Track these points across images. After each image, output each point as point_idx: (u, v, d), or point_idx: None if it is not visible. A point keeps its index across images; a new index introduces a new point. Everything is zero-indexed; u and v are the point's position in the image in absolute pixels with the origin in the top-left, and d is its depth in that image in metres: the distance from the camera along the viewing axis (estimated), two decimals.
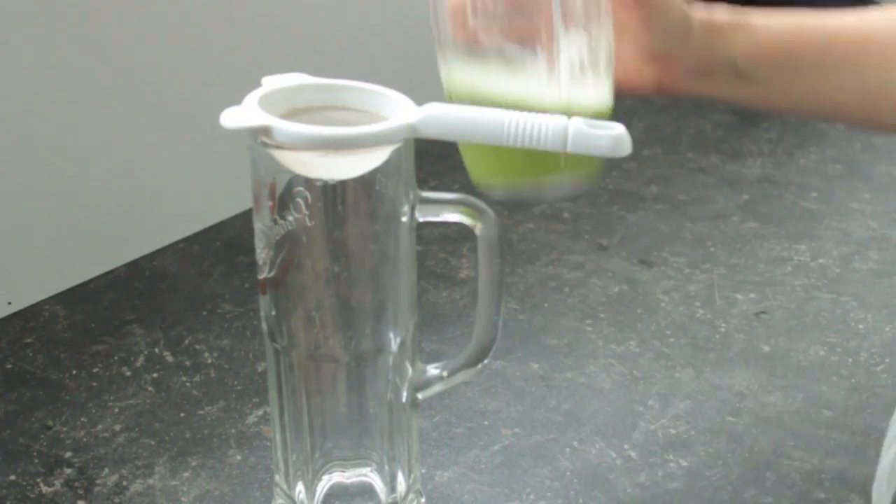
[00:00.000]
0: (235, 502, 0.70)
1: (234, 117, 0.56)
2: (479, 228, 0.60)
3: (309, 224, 0.58)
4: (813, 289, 0.92)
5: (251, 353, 0.84)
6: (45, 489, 0.71)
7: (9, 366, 0.83)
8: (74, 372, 0.82)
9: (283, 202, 0.59)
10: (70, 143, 0.89)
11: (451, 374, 0.64)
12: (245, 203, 1.03)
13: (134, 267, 0.95)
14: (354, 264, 0.60)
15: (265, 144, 0.57)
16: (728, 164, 1.14)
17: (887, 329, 0.87)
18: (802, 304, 0.90)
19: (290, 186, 0.58)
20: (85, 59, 0.88)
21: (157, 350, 0.84)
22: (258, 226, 0.60)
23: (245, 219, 1.02)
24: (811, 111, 0.67)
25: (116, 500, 0.70)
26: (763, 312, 0.89)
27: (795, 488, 0.71)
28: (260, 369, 0.82)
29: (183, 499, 0.70)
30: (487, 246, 0.60)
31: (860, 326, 0.88)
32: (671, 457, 0.74)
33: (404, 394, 0.63)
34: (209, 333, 0.86)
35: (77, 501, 0.70)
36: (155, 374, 0.82)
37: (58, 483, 0.72)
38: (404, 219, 0.59)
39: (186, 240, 0.99)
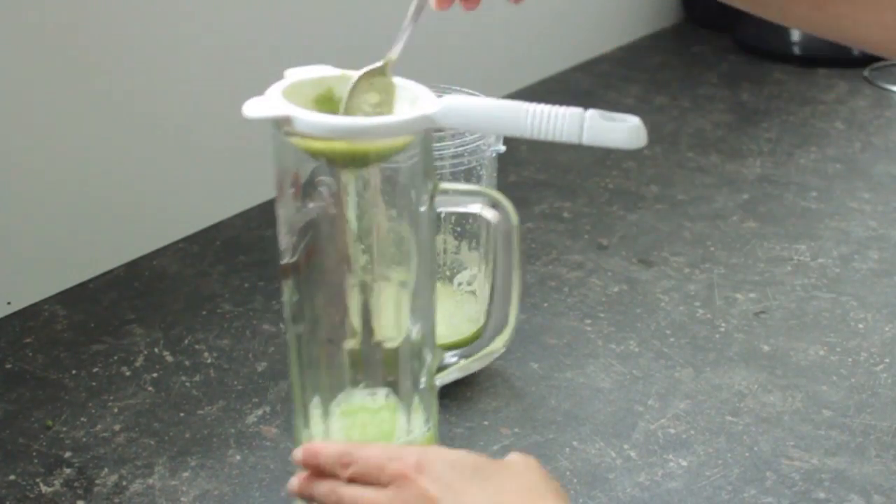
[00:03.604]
0: (235, 502, 0.70)
1: (257, 107, 0.57)
2: (495, 218, 0.62)
3: (331, 212, 0.60)
4: (813, 288, 0.92)
5: (251, 353, 0.84)
6: (44, 489, 0.71)
7: (8, 366, 0.83)
8: (74, 372, 0.82)
9: (306, 190, 0.60)
10: (70, 143, 0.89)
11: (467, 361, 0.66)
12: (245, 203, 1.04)
13: (133, 267, 0.95)
14: (375, 252, 0.61)
15: (288, 134, 0.58)
16: (728, 164, 1.14)
17: (887, 329, 0.87)
18: (802, 304, 0.90)
19: (312, 175, 0.60)
20: (86, 58, 0.88)
21: (156, 350, 0.84)
22: (281, 213, 0.62)
23: (245, 218, 1.02)
24: (836, 38, 0.62)
25: (116, 500, 0.70)
26: (763, 312, 0.89)
27: (795, 488, 0.71)
28: (260, 369, 0.82)
29: (182, 498, 0.70)
30: (503, 236, 0.62)
31: (860, 326, 0.88)
32: (671, 456, 0.74)
33: (423, 379, 0.65)
34: (209, 333, 0.86)
35: (77, 501, 0.70)
36: (154, 374, 0.82)
37: (57, 483, 0.72)
38: (423, 208, 0.61)
39: (186, 240, 0.99)
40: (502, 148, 0.69)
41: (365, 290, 0.61)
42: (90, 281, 0.93)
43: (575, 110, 0.55)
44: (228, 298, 0.91)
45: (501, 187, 0.68)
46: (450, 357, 0.66)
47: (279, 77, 1.02)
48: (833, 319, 0.88)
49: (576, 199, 1.07)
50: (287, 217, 0.60)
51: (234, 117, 0.99)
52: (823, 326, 0.87)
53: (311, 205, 0.59)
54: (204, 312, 0.89)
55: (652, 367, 0.83)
